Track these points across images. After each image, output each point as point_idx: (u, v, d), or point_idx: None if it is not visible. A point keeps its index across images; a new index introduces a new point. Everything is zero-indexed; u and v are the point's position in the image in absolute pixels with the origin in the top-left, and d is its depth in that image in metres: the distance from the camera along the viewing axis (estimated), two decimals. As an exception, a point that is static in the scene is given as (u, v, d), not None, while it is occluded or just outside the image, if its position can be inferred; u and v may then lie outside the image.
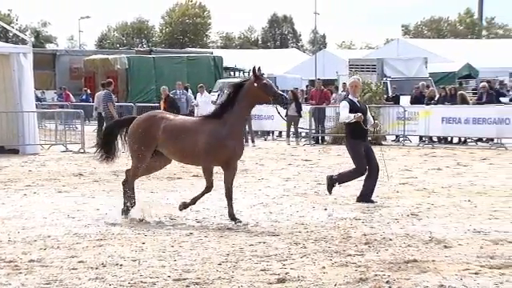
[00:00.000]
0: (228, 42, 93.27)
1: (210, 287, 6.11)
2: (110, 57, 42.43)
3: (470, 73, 41.91)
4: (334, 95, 26.32)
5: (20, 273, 6.55)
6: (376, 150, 11.43)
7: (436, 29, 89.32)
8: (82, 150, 19.61)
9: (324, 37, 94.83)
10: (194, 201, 9.25)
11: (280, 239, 7.92)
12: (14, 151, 18.84)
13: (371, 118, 11.01)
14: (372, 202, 10.45)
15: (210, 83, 37.31)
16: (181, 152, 9.24)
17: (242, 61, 51.65)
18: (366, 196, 10.54)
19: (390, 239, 7.86)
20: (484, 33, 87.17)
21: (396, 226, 8.67)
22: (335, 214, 9.58)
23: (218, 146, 8.96)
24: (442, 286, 6.05)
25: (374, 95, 22.55)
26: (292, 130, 23.46)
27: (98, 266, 6.76)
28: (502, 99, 23.10)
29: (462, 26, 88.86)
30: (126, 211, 9.33)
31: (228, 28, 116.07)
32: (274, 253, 7.26)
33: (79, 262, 6.92)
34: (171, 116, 9.56)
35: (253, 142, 22.17)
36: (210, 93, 30.88)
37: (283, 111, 10.14)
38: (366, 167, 10.60)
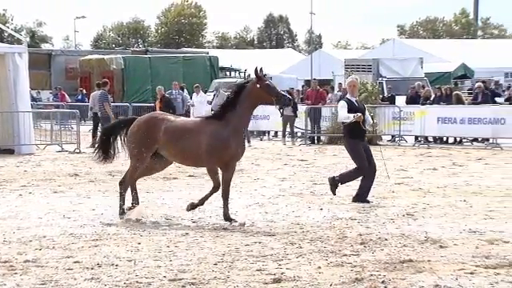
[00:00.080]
0: (224, 42, 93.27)
1: (205, 287, 6.11)
2: (106, 57, 42.39)
3: (465, 73, 42.00)
4: (329, 95, 26.35)
5: (15, 273, 6.54)
6: (376, 149, 11.43)
7: (431, 29, 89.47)
8: (77, 150, 19.59)
9: (320, 37, 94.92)
10: (202, 201, 9.21)
11: (276, 239, 7.92)
12: (10, 151, 18.80)
13: (369, 118, 11.00)
14: (368, 202, 10.46)
15: (205, 83, 37.30)
16: (182, 153, 9.18)
17: (237, 61, 51.65)
18: (361, 196, 10.55)
19: (386, 239, 7.87)
20: (479, 33, 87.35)
21: (391, 226, 8.68)
22: (331, 214, 9.58)
23: (221, 147, 8.93)
24: (438, 285, 6.06)
25: (370, 95, 22.57)
26: (288, 129, 23.48)
27: (94, 266, 6.76)
28: (497, 99, 23.15)
29: (457, 26, 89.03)
30: (121, 213, 9.31)
31: (224, 28, 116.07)
32: (269, 253, 7.26)
33: (75, 262, 6.92)
34: (172, 117, 9.53)
35: (248, 142, 22.14)
36: (205, 93, 30.85)
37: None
38: (372, 167, 10.60)
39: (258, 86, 9.06)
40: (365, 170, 10.59)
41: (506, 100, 22.85)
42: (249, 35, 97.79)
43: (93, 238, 8.04)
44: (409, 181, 12.94)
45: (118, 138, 9.60)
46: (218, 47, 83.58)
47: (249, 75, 48.20)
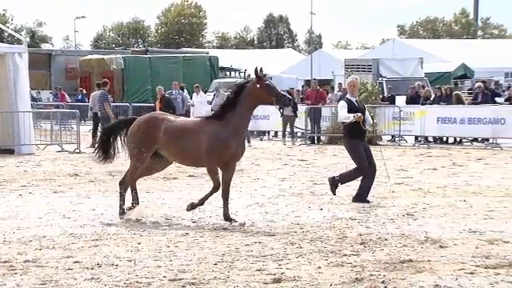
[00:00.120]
0: (224, 42, 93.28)
1: (205, 287, 6.11)
2: (106, 57, 42.40)
3: (465, 73, 42.01)
4: (329, 95, 26.35)
5: (15, 273, 6.54)
6: (376, 149, 11.43)
7: (431, 29, 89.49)
8: (77, 150, 19.59)
9: (320, 37, 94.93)
10: (202, 201, 9.20)
11: (276, 239, 7.92)
12: (10, 151, 18.79)
13: (369, 118, 10.97)
14: (368, 202, 10.46)
15: (205, 83, 37.31)
16: (182, 154, 9.16)
17: (237, 61, 51.66)
18: (361, 196, 10.55)
19: (386, 239, 7.87)
20: (479, 33, 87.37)
21: (391, 226, 8.68)
22: (331, 214, 9.58)
23: (221, 147, 8.93)
24: (438, 285, 6.06)
25: (370, 95, 22.57)
26: (288, 130, 23.48)
27: (94, 266, 6.76)
28: (497, 99, 23.16)
29: (457, 26, 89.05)
30: (121, 213, 9.30)
31: (224, 28, 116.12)
32: (269, 253, 7.26)
33: (75, 262, 6.92)
34: (172, 117, 9.53)
35: (248, 141, 22.14)
36: (205, 93, 30.86)
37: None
38: (372, 166, 10.60)
39: (258, 86, 9.06)
40: (365, 170, 10.59)
41: (506, 100, 22.86)
42: (249, 35, 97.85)
43: (93, 238, 8.04)
44: (409, 181, 12.94)
45: (118, 138, 9.60)
46: (218, 47, 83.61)
47: (249, 75, 48.22)
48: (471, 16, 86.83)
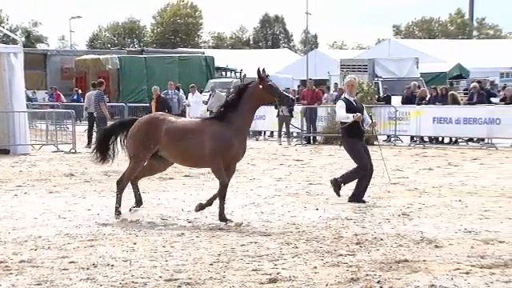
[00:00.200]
0: (219, 42, 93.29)
1: (201, 287, 6.11)
2: (102, 57, 42.38)
3: (460, 73, 42.11)
4: (325, 95, 26.35)
5: (11, 273, 6.53)
6: (373, 149, 11.43)
7: (427, 29, 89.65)
8: (73, 151, 19.57)
9: (315, 37, 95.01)
10: (210, 202, 9.16)
11: (271, 239, 7.92)
12: (5, 151, 18.76)
13: (368, 118, 10.94)
14: (363, 202, 10.46)
15: (201, 83, 37.34)
16: (184, 154, 9.12)
17: (233, 61, 51.72)
18: (357, 196, 10.55)
19: (382, 239, 7.88)
20: (475, 33, 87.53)
21: (387, 226, 8.69)
22: (327, 214, 9.59)
23: (225, 147, 8.91)
24: (433, 285, 6.07)
25: (366, 95, 22.59)
26: (284, 129, 23.48)
27: (89, 266, 6.75)
28: (492, 99, 23.20)
29: (452, 26, 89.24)
30: (117, 213, 9.28)
31: (219, 28, 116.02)
32: (265, 253, 7.26)
33: (70, 262, 6.91)
34: (173, 118, 9.52)
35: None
36: (201, 93, 30.90)
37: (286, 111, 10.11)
38: (370, 165, 10.59)
39: (261, 86, 9.05)
40: (365, 168, 10.57)
41: (501, 100, 22.89)
42: (245, 35, 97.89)
43: (88, 238, 8.03)
44: (404, 181, 12.96)
45: (118, 138, 9.55)
46: (213, 47, 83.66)
47: (244, 75, 48.37)
48: (466, 16, 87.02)
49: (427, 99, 23.54)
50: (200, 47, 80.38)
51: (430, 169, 15.02)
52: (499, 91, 27.44)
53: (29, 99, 30.70)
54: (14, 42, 23.92)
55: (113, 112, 26.53)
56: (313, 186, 12.48)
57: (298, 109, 23.39)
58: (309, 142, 23.08)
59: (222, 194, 9.06)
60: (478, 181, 12.93)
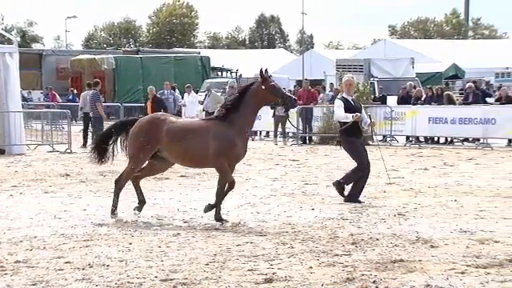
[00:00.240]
0: (215, 42, 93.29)
1: (197, 287, 6.11)
2: (97, 57, 42.34)
3: (456, 73, 42.19)
4: (321, 95, 26.37)
5: (6, 274, 6.52)
6: (372, 148, 11.44)
7: (423, 29, 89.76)
8: (68, 151, 19.55)
9: (311, 37, 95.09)
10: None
11: (267, 239, 7.92)
12: (0, 151, 18.72)
13: (366, 117, 10.93)
14: (359, 202, 10.47)
15: (197, 83, 37.32)
16: (185, 154, 9.08)
17: (229, 61, 51.72)
18: (353, 196, 10.55)
19: (377, 239, 7.88)
20: (470, 33, 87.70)
21: (383, 226, 8.69)
22: (322, 214, 9.59)
23: (228, 147, 8.89)
24: (429, 285, 6.07)
25: (361, 95, 22.59)
26: (279, 130, 23.48)
27: (85, 266, 6.74)
28: (487, 99, 23.25)
29: (448, 26, 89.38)
30: (113, 212, 9.25)
31: (215, 28, 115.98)
32: (261, 253, 7.26)
33: (66, 262, 6.90)
34: (174, 118, 9.50)
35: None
36: (197, 93, 30.87)
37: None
38: (367, 163, 10.58)
39: (264, 87, 9.04)
40: (365, 167, 10.56)
41: (497, 100, 22.95)
42: (240, 35, 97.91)
43: (84, 239, 8.02)
44: (400, 181, 12.97)
45: (119, 138, 9.50)
46: (209, 47, 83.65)
47: (240, 75, 48.38)
48: (462, 16, 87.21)
49: (423, 99, 23.59)
50: (196, 47, 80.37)
51: (425, 169, 15.04)
52: (494, 91, 27.49)
53: (24, 99, 30.65)
54: (10, 41, 23.88)
55: (108, 112, 26.52)
56: (308, 186, 12.48)
57: (293, 109, 23.38)
58: (304, 142, 23.09)
59: (220, 194, 9.03)
60: (474, 181, 12.96)
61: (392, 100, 25.17)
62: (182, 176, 13.43)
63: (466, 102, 22.54)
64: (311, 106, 23.76)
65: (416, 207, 10.09)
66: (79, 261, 6.94)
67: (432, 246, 7.52)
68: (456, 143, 21.69)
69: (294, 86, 34.16)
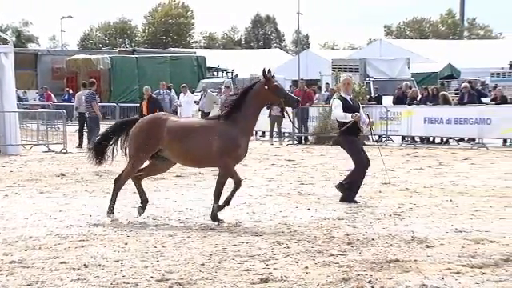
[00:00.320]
0: (211, 42, 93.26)
1: (192, 287, 6.10)
2: (93, 57, 42.29)
3: (451, 73, 42.26)
4: (317, 95, 26.38)
5: (1, 274, 6.50)
6: (371, 148, 11.44)
7: (418, 29, 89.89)
8: (64, 151, 19.52)
9: (307, 37, 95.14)
10: (227, 201, 9.07)
11: (263, 239, 7.92)
12: (-5, 151, 18.69)
13: (364, 116, 10.93)
14: (355, 202, 10.47)
15: (193, 83, 37.32)
16: (187, 154, 9.04)
17: (225, 61, 51.71)
18: (349, 196, 10.54)
19: (373, 239, 7.89)
20: (465, 33, 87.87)
21: (378, 226, 8.70)
22: (318, 214, 9.59)
23: (233, 147, 8.87)
24: (424, 285, 6.08)
25: (357, 95, 22.61)
26: (275, 129, 23.49)
27: (80, 266, 6.73)
28: (483, 99, 23.29)
29: (443, 26, 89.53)
30: (110, 211, 9.22)
31: (211, 28, 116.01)
32: (257, 253, 7.26)
33: (61, 262, 6.88)
34: (176, 118, 9.46)
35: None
36: (193, 93, 30.86)
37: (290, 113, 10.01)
38: (366, 160, 10.58)
39: (266, 87, 9.03)
40: (364, 165, 10.56)
41: (492, 100, 22.99)
42: (236, 35, 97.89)
43: (79, 239, 8.01)
44: (395, 181, 12.98)
45: (119, 139, 9.45)
46: (205, 47, 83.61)
47: (236, 75, 48.37)
48: (457, 17, 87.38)
49: (418, 99, 23.62)
50: (191, 47, 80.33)
51: (421, 169, 15.06)
52: (490, 91, 27.56)
53: (19, 99, 30.60)
54: (5, 41, 23.82)
55: (104, 112, 26.46)
56: (304, 185, 12.49)
57: (289, 109, 23.36)
58: (300, 142, 23.10)
59: (217, 194, 9.02)
60: (469, 181, 12.97)
61: (387, 100, 25.20)
62: (177, 176, 13.42)
63: (461, 102, 22.58)
64: (307, 106, 23.75)
65: (411, 207, 10.10)
66: (75, 261, 6.93)
67: (427, 246, 7.53)
68: (451, 143, 21.73)
69: (290, 86, 34.11)
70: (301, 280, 6.24)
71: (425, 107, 22.17)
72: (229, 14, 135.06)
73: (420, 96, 23.93)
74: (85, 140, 21.08)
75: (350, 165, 11.04)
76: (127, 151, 9.28)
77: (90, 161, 9.68)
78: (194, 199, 10.79)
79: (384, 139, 22.32)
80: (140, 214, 9.27)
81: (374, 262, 6.85)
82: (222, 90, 29.27)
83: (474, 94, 22.82)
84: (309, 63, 49.97)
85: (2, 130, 18.79)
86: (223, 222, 8.88)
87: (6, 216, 9.48)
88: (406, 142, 21.79)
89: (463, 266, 6.71)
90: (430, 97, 23.12)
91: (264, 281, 6.23)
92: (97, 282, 6.20)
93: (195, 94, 32.01)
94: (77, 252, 7.34)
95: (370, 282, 6.15)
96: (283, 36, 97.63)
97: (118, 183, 9.35)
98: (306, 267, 6.68)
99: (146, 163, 9.42)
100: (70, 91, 36.44)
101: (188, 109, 25.82)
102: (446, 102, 22.47)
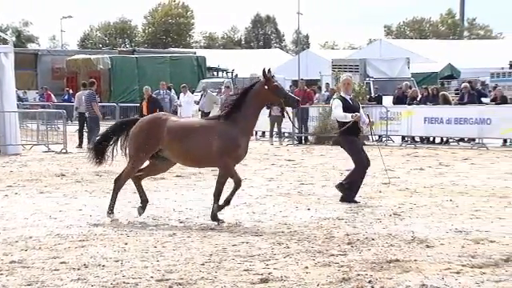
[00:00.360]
0: (211, 42, 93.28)
1: (192, 287, 6.10)
2: (93, 57, 42.30)
3: (451, 73, 42.26)
4: (317, 95, 26.38)
5: (1, 274, 6.50)
6: (371, 148, 11.44)
7: (418, 29, 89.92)
8: (64, 151, 19.52)
9: (307, 37, 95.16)
10: (227, 201, 9.06)
11: (263, 239, 7.92)
12: (-4, 151, 18.68)
13: (364, 116, 10.92)
14: (355, 202, 10.47)
15: (193, 83, 37.33)
16: (187, 154, 9.02)
17: (225, 61, 51.73)
18: (349, 196, 10.54)
19: (373, 239, 7.89)
20: (465, 33, 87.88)
21: (378, 226, 8.70)
22: (318, 214, 9.59)
23: (233, 147, 8.87)
24: (424, 285, 6.08)
25: (357, 95, 22.61)
26: (275, 129, 23.49)
27: (80, 266, 6.73)
28: (483, 99, 23.30)
29: (443, 26, 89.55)
30: (110, 211, 9.22)
31: (211, 28, 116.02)
32: (257, 253, 7.26)
33: (61, 262, 6.88)
34: (176, 117, 9.45)
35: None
36: (192, 93, 30.86)
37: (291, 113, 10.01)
38: (366, 160, 10.57)
39: (266, 87, 9.03)
40: (365, 165, 10.56)
41: (492, 100, 22.99)
42: (236, 35, 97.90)
43: (79, 239, 8.01)
44: (396, 181, 12.97)
45: (119, 139, 9.44)
46: (205, 47, 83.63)
47: (236, 75, 48.36)
48: (457, 17, 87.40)
49: (418, 99, 23.62)
50: (191, 47, 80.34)
51: (421, 169, 15.06)
52: (490, 91, 27.57)
53: (19, 99, 30.60)
54: (5, 41, 23.83)
55: (104, 112, 26.46)
56: (304, 185, 12.49)
57: (289, 109, 23.35)
58: (300, 142, 23.10)
59: (217, 194, 9.02)
60: (469, 181, 12.98)
61: (387, 100, 25.20)
62: (177, 176, 13.42)
63: (461, 102, 22.58)
64: (307, 106, 23.75)
65: (411, 207, 10.10)
66: (75, 261, 6.93)
67: (427, 246, 7.53)
68: (451, 143, 21.73)
69: (290, 86, 34.12)
70: (301, 280, 6.24)
71: (425, 107, 22.17)
72: (229, 14, 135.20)
73: (420, 96, 23.94)
74: (85, 140, 21.08)
75: (350, 165, 11.04)
76: (127, 151, 9.28)
77: (90, 161, 9.67)
78: (193, 199, 10.80)
79: (384, 139, 22.32)
80: (140, 213, 9.27)
81: (374, 261, 6.85)
82: (222, 90, 29.27)
83: (473, 94, 22.83)
84: (309, 63, 49.97)
85: (1, 130, 18.79)
86: (223, 222, 8.88)
87: (5, 216, 9.48)
88: (406, 142, 21.79)
89: (463, 265, 6.71)
90: (430, 97, 23.13)
91: (264, 281, 6.23)
92: (97, 282, 6.20)
93: (195, 94, 32.01)
94: (77, 252, 7.34)
95: (370, 281, 6.15)
96: (283, 36, 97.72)
97: (118, 183, 9.35)
98: (306, 267, 6.68)
99: (146, 163, 9.42)
100: (70, 91, 36.44)
101: (188, 109, 25.83)
102: (446, 102, 22.47)
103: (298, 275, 6.39)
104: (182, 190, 11.96)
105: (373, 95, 26.54)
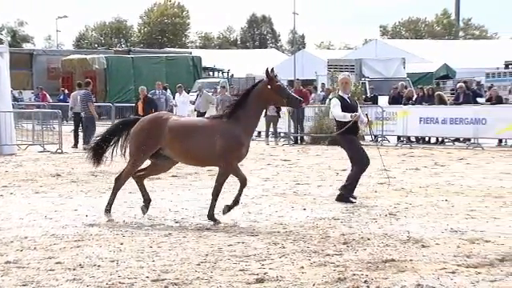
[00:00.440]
0: (207, 42, 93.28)
1: (188, 287, 6.11)
2: (88, 57, 42.26)
3: (447, 73, 42.35)
4: (312, 95, 26.41)
5: (-4, 274, 6.49)
6: (369, 147, 11.45)
7: (414, 29, 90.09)
8: (59, 151, 19.48)
9: (303, 37, 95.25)
10: (235, 201, 9.07)
11: (259, 239, 7.92)
12: (-9, 152, 18.64)
13: (363, 115, 10.91)
14: (351, 202, 10.47)
15: (188, 83, 37.34)
16: (188, 153, 9.00)
17: (220, 61, 51.74)
18: (345, 196, 10.53)
19: (368, 239, 7.90)
20: (461, 34, 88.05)
21: (374, 226, 8.71)
22: (314, 213, 9.60)
23: (236, 146, 8.85)
24: (420, 285, 6.09)
25: (353, 95, 22.61)
26: (271, 129, 23.49)
27: (76, 266, 6.72)
28: (478, 99, 23.35)
29: (439, 26, 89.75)
30: (108, 210, 9.19)
31: (207, 28, 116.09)
32: (252, 253, 7.26)
33: (56, 263, 6.87)
34: (177, 117, 9.44)
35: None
36: (188, 93, 30.87)
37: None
38: (366, 159, 10.57)
39: (269, 87, 9.01)
40: (365, 163, 10.56)
41: (487, 100, 23.04)
42: (232, 35, 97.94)
43: (75, 239, 8.00)
44: (391, 181, 12.98)
45: (120, 139, 9.41)
46: (201, 47, 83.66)
47: (232, 75, 48.36)
48: (453, 17, 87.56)
49: (414, 99, 23.66)
50: (187, 47, 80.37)
51: (416, 169, 15.08)
52: (485, 91, 27.64)
53: (15, 99, 30.56)
54: (0, 41, 23.80)
55: (100, 112, 26.44)
56: (300, 185, 12.49)
57: (285, 109, 23.40)
58: (296, 142, 23.10)
59: (215, 193, 9.01)
60: (465, 181, 13.00)
61: (383, 100, 25.23)
62: (173, 176, 13.41)
63: (456, 102, 22.63)
64: (303, 106, 23.74)
65: (407, 207, 10.11)
66: (70, 261, 6.92)
67: (423, 246, 7.54)
68: (447, 143, 21.76)
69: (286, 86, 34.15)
70: (296, 280, 6.25)
71: (420, 107, 22.20)
72: (224, 14, 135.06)
73: (415, 96, 23.98)
74: (80, 140, 21.05)
75: (347, 164, 11.04)
76: (127, 151, 9.28)
77: (88, 161, 9.66)
78: (189, 199, 10.79)
79: (380, 139, 22.34)
80: (144, 213, 9.27)
81: (369, 261, 6.85)
82: (218, 90, 29.27)
83: (469, 94, 22.89)
84: (304, 63, 50.03)
85: (-3, 130, 18.75)
86: (219, 222, 8.88)
87: (1, 216, 9.45)
88: (402, 142, 21.82)
89: (458, 265, 6.72)
90: (426, 97, 23.16)
91: (260, 281, 6.23)
92: (92, 282, 6.19)
93: (191, 94, 32.04)
94: (72, 252, 7.33)
95: (365, 281, 6.16)
96: (279, 36, 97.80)
97: (119, 182, 9.34)
98: (302, 267, 6.69)
99: (148, 163, 9.41)
100: (66, 91, 36.38)
101: (184, 109, 25.83)
102: (442, 102, 22.51)
103: (294, 275, 6.40)
104: (178, 190, 11.95)
105: (368, 95, 26.57)
